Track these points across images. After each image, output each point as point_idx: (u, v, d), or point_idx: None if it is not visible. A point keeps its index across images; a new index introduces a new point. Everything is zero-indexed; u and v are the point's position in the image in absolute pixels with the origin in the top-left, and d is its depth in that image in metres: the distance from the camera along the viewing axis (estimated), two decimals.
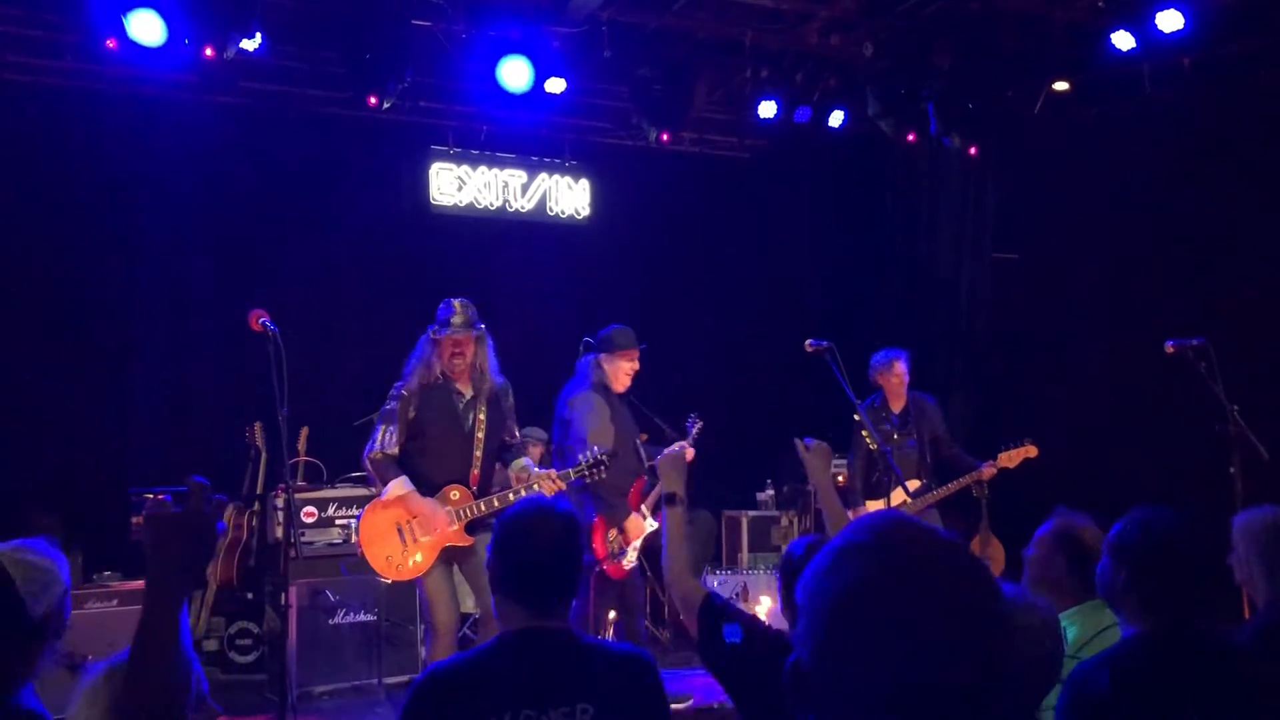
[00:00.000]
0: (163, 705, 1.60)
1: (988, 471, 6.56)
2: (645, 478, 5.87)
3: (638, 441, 5.89)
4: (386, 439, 4.95)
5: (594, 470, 5.12)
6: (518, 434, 5.40)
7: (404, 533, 4.92)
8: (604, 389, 5.70)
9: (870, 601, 1.09)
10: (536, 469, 5.16)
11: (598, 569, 5.59)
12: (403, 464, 4.99)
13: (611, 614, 5.81)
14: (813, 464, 3.56)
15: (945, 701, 1.06)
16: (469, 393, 5.09)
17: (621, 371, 5.70)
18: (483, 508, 4.98)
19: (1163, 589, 2.51)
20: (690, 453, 5.80)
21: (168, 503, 1.66)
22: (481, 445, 5.08)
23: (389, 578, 5.00)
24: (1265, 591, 3.08)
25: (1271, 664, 2.75)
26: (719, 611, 2.77)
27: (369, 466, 5.06)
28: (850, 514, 6.61)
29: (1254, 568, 3.10)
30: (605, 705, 2.37)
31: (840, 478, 6.80)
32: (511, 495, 5.04)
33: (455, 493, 5.03)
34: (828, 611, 1.11)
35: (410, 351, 5.17)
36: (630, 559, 5.70)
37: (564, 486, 5.12)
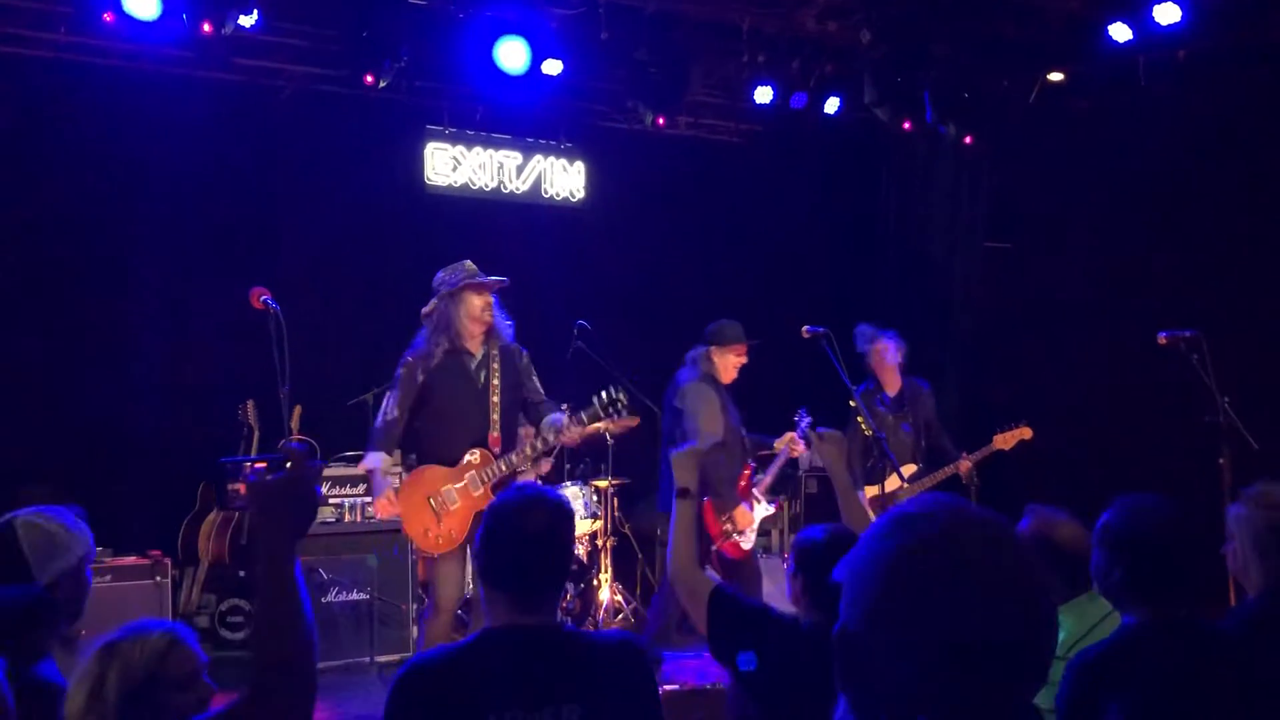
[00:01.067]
0: (291, 659, 1.65)
1: (964, 466, 6.61)
2: (753, 465, 6.13)
3: (744, 432, 6.07)
4: (389, 406, 4.96)
5: (610, 408, 4.99)
6: (542, 392, 5.28)
7: (434, 504, 4.91)
8: (713, 380, 5.94)
9: (921, 565, 1.13)
10: (564, 418, 5.01)
11: (713, 548, 5.89)
12: (421, 432, 4.98)
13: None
14: (827, 452, 3.56)
15: (991, 661, 1.10)
16: (479, 353, 5.06)
17: (730, 365, 5.96)
18: (504, 467, 4.95)
19: (1158, 577, 2.54)
20: (800, 447, 6.07)
21: (267, 470, 1.72)
22: (499, 406, 5.03)
23: (430, 550, 4.94)
24: (1260, 582, 3.13)
25: (1266, 653, 2.79)
26: (730, 606, 2.75)
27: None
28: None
29: (1249, 558, 3.14)
30: (592, 704, 2.32)
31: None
32: (529, 449, 5.04)
33: (475, 456, 4.98)
34: (880, 576, 1.15)
35: (417, 326, 5.15)
36: (749, 538, 5.93)
37: (582, 433, 5.12)
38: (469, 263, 5.07)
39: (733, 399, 6.09)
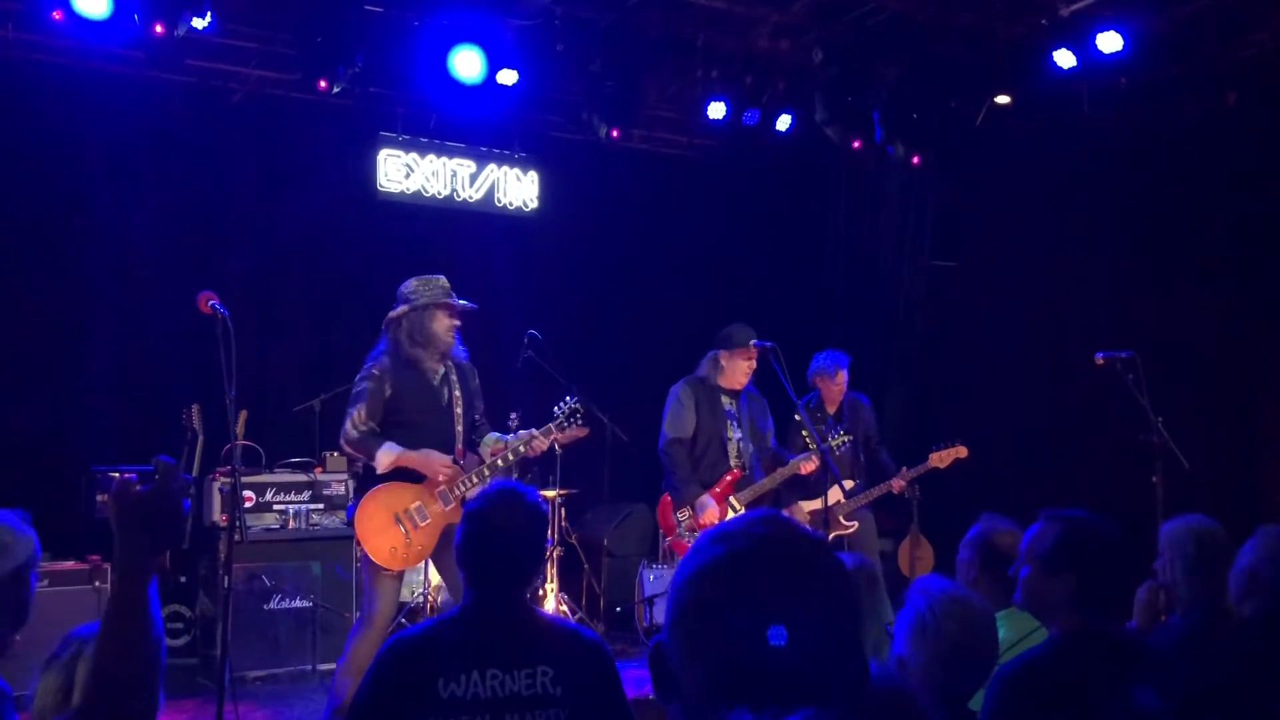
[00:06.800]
0: (133, 678, 1.61)
1: (896, 484, 6.69)
2: (738, 473, 6.06)
3: (733, 437, 6.07)
4: (361, 418, 4.81)
5: (570, 419, 5.13)
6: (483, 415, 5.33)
7: (403, 521, 4.82)
8: (701, 381, 6.04)
9: (711, 580, 1.18)
10: (513, 436, 5.11)
11: (667, 541, 6.15)
12: None
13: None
14: None
15: (767, 681, 1.12)
16: (440, 369, 5.05)
17: (739, 369, 5.99)
18: (475, 479, 4.94)
19: (1100, 592, 2.59)
20: (811, 465, 6.03)
21: (134, 481, 1.66)
22: (460, 420, 5.05)
23: (395, 568, 4.83)
24: (1188, 597, 3.24)
25: (1193, 665, 2.89)
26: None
27: (348, 449, 4.89)
28: (786, 513, 6.76)
29: (1178, 573, 3.25)
30: (563, 670, 2.60)
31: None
32: (500, 461, 5.03)
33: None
34: (678, 589, 1.21)
35: (366, 334, 5.13)
36: None
37: (547, 442, 5.14)
38: (444, 280, 5.03)
39: (754, 407, 6.16)
